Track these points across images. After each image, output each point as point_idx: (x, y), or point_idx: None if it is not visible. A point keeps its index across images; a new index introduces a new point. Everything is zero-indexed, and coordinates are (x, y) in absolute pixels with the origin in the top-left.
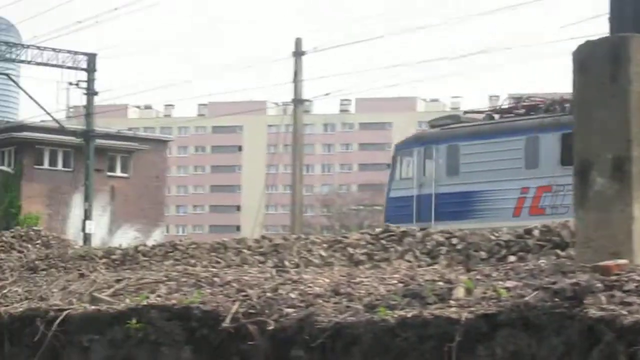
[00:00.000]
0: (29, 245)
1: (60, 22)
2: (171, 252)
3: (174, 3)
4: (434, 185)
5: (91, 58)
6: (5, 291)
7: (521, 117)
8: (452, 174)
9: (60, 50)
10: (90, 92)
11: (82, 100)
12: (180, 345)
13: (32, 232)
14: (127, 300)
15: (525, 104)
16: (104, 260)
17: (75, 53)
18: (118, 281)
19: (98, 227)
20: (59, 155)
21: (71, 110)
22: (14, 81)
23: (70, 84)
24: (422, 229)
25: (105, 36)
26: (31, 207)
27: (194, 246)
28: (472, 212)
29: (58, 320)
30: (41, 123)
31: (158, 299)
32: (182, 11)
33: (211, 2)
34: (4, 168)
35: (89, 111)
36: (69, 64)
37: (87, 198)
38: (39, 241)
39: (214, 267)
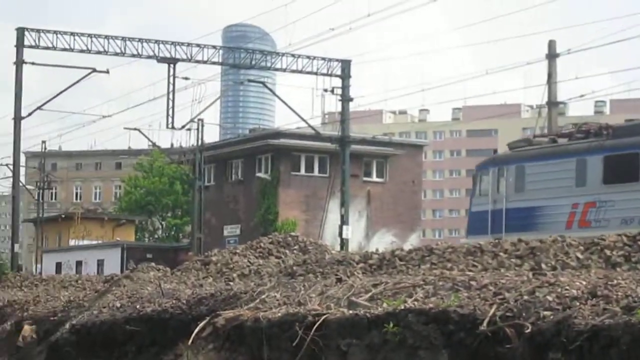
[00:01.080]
0: (287, 251)
1: (314, 29)
2: (427, 256)
3: (425, 7)
4: (505, 201)
5: (345, 64)
6: (264, 296)
7: (575, 141)
8: (519, 191)
9: (314, 58)
10: (345, 99)
11: (337, 107)
12: (438, 349)
13: (289, 238)
14: (385, 305)
15: (582, 129)
16: (360, 265)
17: (330, 60)
18: (375, 286)
19: (355, 232)
20: (315, 161)
21: (326, 116)
22: (269, 89)
23: (325, 90)
24: (496, 239)
25: (359, 42)
26: (288, 213)
27: (450, 250)
28: (534, 224)
29: (316, 325)
30: (297, 130)
31: (415, 303)
32: (433, 15)
33: (462, 5)
34: (261, 175)
35: (344, 117)
36: (324, 71)
37: (343, 203)
38: (296, 247)
39: (470, 270)
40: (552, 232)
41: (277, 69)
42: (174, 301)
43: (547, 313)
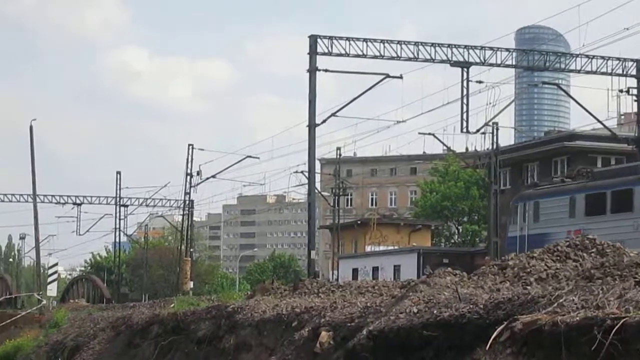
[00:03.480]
0: (584, 254)
1: (608, 29)
2: None
3: None
4: (527, 229)
5: None
6: (561, 300)
7: (569, 182)
8: (535, 221)
9: (609, 58)
10: None
11: (633, 107)
12: None
13: (587, 241)
14: None
15: (579, 172)
16: None
17: (624, 60)
18: None
19: None
20: (612, 162)
21: (622, 117)
22: (564, 91)
23: (621, 91)
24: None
25: None
26: None
27: None
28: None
29: (615, 329)
30: (593, 131)
31: None
32: None
33: None
34: (558, 178)
35: None
36: (618, 71)
37: None
38: (593, 250)
39: None
40: None
41: (571, 71)
42: (471, 306)
43: None
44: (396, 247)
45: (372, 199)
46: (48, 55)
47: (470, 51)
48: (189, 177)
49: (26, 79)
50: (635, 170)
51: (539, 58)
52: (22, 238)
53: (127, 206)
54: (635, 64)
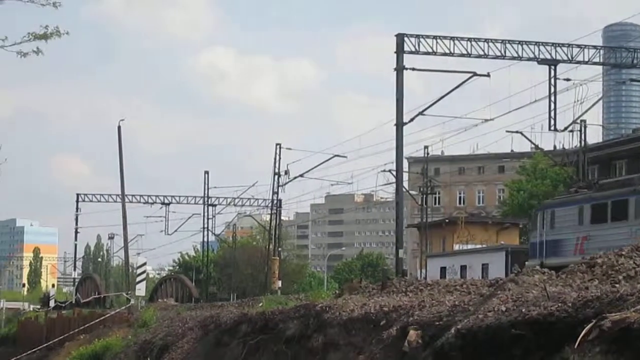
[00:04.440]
0: None
1: None
2: None
3: None
4: (545, 235)
5: None
6: None
7: (579, 192)
8: (552, 228)
9: None
10: None
11: None
12: None
13: None
14: None
15: (591, 183)
16: None
17: None
18: None
19: None
20: None
21: None
22: None
23: None
24: (541, 263)
25: None
26: None
27: None
28: (559, 252)
29: None
30: None
31: None
32: None
33: None
34: None
35: None
36: None
37: None
38: None
39: None
40: (568, 258)
41: None
42: (559, 304)
43: None
44: (484, 246)
45: (459, 197)
46: (140, 55)
47: (558, 49)
48: (276, 177)
49: (117, 78)
50: (632, 182)
51: (626, 55)
52: (111, 238)
53: (215, 206)
54: None
